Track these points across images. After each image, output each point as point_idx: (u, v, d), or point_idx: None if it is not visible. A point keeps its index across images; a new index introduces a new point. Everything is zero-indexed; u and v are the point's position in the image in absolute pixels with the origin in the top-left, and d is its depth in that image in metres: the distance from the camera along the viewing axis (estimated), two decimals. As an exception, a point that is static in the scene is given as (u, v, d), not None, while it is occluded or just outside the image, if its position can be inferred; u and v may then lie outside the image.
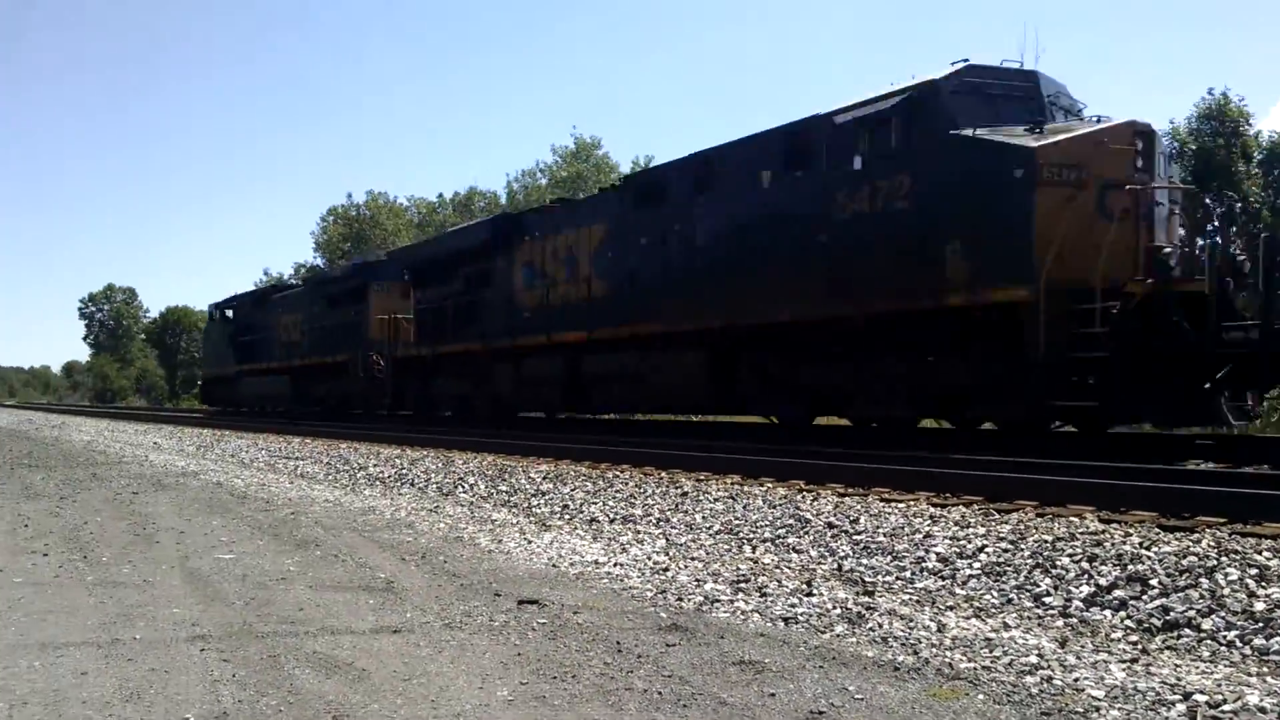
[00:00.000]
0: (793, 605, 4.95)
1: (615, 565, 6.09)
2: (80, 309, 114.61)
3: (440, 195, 57.98)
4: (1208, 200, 11.63)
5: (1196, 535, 5.49)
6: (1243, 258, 10.00)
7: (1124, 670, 3.83)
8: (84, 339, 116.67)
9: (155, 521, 8.17)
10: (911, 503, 7.25)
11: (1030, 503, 6.83)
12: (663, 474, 9.93)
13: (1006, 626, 4.53)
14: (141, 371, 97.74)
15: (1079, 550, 5.39)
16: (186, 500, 9.77)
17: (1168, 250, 9.91)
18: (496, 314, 19.17)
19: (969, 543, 5.86)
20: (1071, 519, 6.22)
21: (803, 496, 7.88)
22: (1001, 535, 5.92)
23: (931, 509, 6.95)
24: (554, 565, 6.14)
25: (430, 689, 3.70)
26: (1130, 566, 5.03)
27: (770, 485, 8.63)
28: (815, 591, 5.21)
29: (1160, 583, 4.79)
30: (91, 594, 5.35)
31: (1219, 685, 3.66)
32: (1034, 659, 3.98)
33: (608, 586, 5.51)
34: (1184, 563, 4.96)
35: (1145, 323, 9.41)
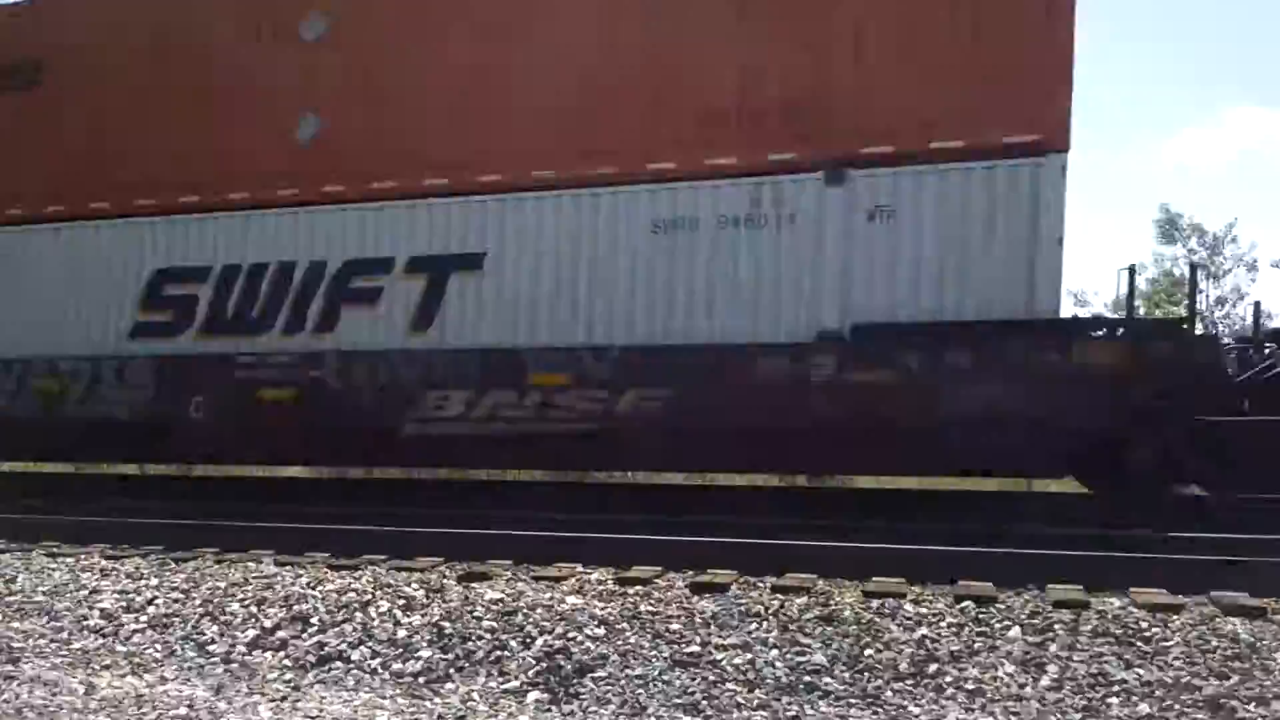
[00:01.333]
0: (-93, 686, 4.22)
1: None
2: None
3: None
4: None
5: (359, 572, 5.96)
6: None
7: (271, 709, 3.98)
8: None
9: None
10: (84, 556, 6.70)
11: (211, 550, 6.79)
12: None
13: (164, 680, 4.42)
14: None
15: (250, 595, 5.48)
16: None
17: None
18: None
19: (139, 595, 5.60)
20: (249, 564, 6.31)
21: (-52, 555, 6.78)
22: (175, 585, 5.76)
23: (105, 562, 6.51)
24: None
25: None
26: (296, 606, 5.26)
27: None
28: (-58, 666, 4.51)
29: (320, 619, 5.09)
30: None
31: (356, 711, 4.00)
32: (184, 710, 3.93)
33: None
34: (344, 599, 5.35)
35: None
